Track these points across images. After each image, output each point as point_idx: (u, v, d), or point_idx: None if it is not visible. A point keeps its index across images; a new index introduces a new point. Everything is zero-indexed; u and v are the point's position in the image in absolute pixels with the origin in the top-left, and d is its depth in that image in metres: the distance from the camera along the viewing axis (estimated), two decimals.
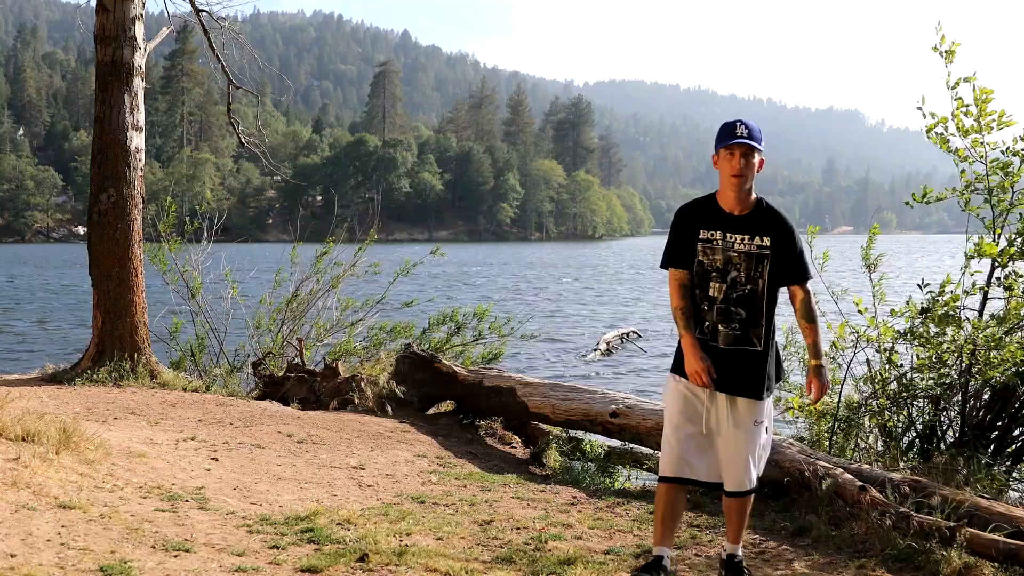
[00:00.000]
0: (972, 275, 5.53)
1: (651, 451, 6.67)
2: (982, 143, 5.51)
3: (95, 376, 8.18)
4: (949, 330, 5.45)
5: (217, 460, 5.67)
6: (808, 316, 3.81)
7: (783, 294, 3.86)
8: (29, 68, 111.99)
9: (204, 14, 10.04)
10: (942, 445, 5.55)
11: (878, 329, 5.72)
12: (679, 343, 3.81)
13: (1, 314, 25.90)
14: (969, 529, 4.00)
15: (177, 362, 9.83)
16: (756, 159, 3.68)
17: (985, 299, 5.57)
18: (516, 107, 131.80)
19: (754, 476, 3.82)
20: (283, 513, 4.64)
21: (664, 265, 3.86)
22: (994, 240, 5.49)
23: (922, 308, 5.58)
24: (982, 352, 5.33)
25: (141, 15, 8.75)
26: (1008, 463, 5.52)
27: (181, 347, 10.04)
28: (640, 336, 20.25)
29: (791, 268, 3.76)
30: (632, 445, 6.94)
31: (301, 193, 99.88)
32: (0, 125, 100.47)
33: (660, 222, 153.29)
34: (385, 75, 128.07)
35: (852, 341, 5.86)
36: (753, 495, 3.88)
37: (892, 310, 5.74)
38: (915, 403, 5.76)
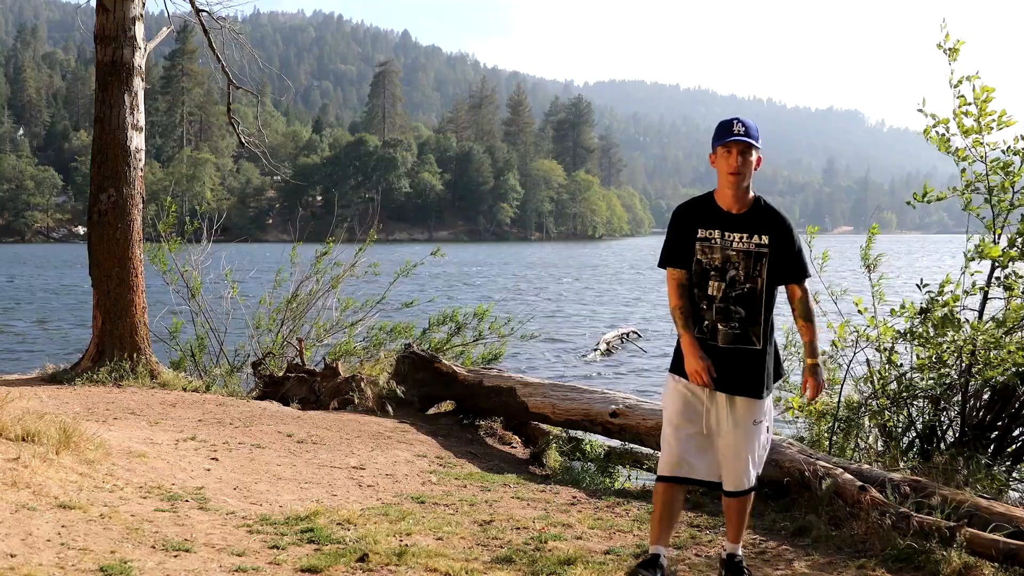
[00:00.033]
0: (972, 275, 5.52)
1: (651, 451, 6.67)
2: (982, 143, 5.50)
3: (95, 376, 8.18)
4: (949, 333, 5.44)
5: (217, 460, 5.67)
6: (806, 315, 3.81)
7: (781, 293, 3.86)
8: (29, 68, 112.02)
9: (204, 14, 10.05)
10: (942, 445, 5.55)
11: (878, 329, 5.72)
12: (678, 342, 3.81)
13: (1, 314, 25.90)
14: (969, 529, 4.00)
15: (177, 362, 9.83)
16: (753, 157, 3.68)
17: (985, 299, 5.57)
18: (516, 107, 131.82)
19: (753, 475, 3.81)
20: (283, 513, 4.64)
21: (662, 264, 3.85)
22: (994, 240, 5.49)
23: (921, 308, 5.58)
24: (982, 352, 5.33)
25: (141, 15, 8.75)
26: (1008, 463, 5.52)
27: (181, 347, 10.04)
28: (640, 336, 20.25)
29: (789, 266, 3.76)
30: (632, 445, 6.94)
31: (301, 193, 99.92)
32: (0, 125, 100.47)
33: (660, 222, 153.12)
34: (385, 75, 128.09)
35: (852, 341, 5.86)
36: (753, 494, 3.88)
37: (892, 310, 5.74)
38: (915, 403, 5.76)
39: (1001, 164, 5.48)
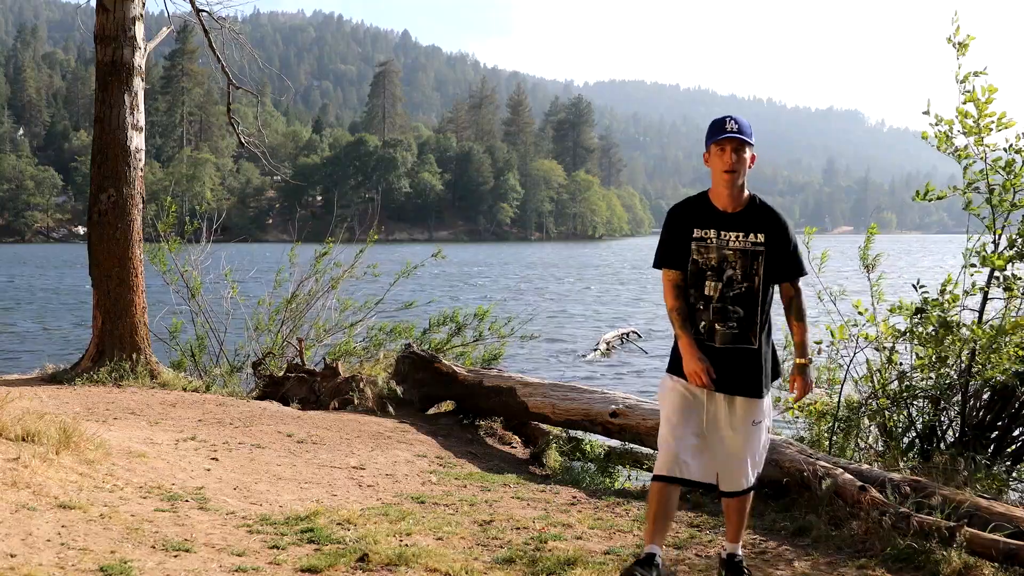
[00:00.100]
0: (972, 275, 5.52)
1: (651, 451, 6.66)
2: (983, 143, 5.49)
3: (95, 376, 8.18)
4: (948, 337, 5.44)
5: (217, 460, 5.67)
6: (798, 315, 3.79)
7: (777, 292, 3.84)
8: (29, 68, 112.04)
9: (204, 14, 10.05)
10: (942, 445, 5.55)
11: (878, 328, 5.72)
12: (675, 343, 3.79)
13: (1, 314, 25.90)
14: (969, 529, 4.00)
15: (177, 362, 9.83)
16: (747, 154, 3.67)
17: (985, 299, 5.56)
18: (516, 107, 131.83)
19: (753, 476, 3.81)
20: (283, 513, 4.64)
21: (657, 265, 3.84)
22: (994, 241, 5.49)
23: (917, 308, 5.57)
24: (981, 355, 5.33)
25: (141, 15, 8.75)
26: (1008, 463, 5.52)
27: (181, 347, 10.04)
28: (640, 336, 20.25)
29: (786, 264, 3.74)
30: (632, 445, 6.94)
31: (301, 193, 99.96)
32: (0, 125, 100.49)
33: (660, 222, 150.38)
34: (385, 75, 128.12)
35: (852, 340, 5.86)
36: (752, 494, 3.88)
37: (891, 307, 5.73)
38: (915, 403, 5.75)
39: (1003, 164, 5.47)
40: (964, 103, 5.41)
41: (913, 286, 5.66)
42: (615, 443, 7.17)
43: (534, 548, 4.23)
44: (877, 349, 5.81)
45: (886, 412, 5.73)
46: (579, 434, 7.41)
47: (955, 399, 5.58)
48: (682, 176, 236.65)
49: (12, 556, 3.50)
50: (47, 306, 28.27)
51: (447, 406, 8.18)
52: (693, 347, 3.69)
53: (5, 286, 36.88)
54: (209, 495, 4.82)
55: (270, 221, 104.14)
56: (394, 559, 3.87)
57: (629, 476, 6.96)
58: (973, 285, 5.52)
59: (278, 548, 4.02)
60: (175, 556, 3.79)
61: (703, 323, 3.73)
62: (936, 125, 5.53)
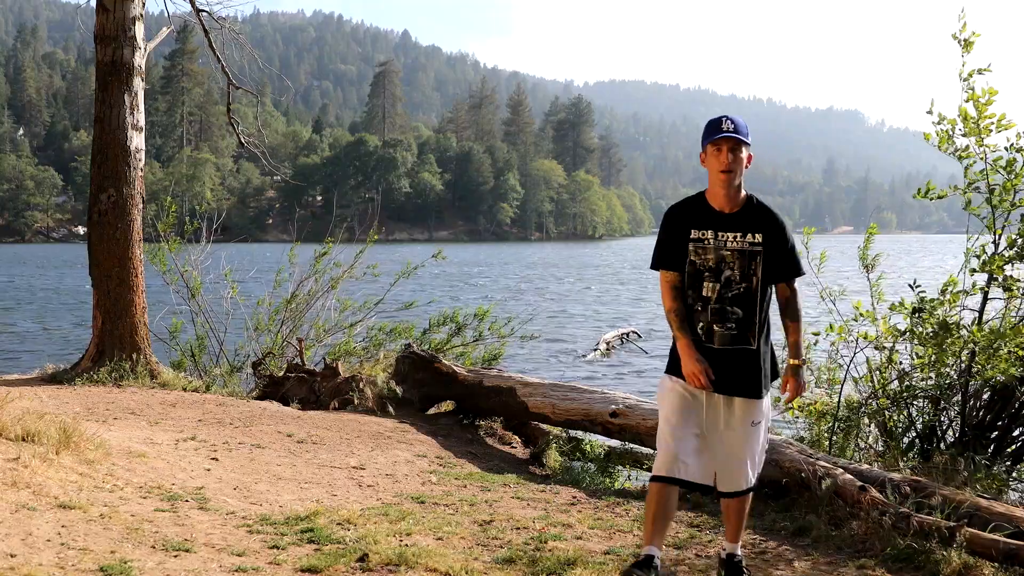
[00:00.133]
0: (972, 275, 5.52)
1: (651, 451, 6.65)
2: (984, 143, 5.49)
3: (95, 376, 8.18)
4: (947, 340, 5.44)
5: (217, 460, 5.67)
6: (793, 315, 3.77)
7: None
8: (29, 68, 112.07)
9: (204, 14, 10.05)
10: (942, 445, 5.55)
11: (877, 328, 5.72)
12: (673, 344, 3.78)
13: (1, 314, 25.90)
14: (969, 529, 4.00)
15: (177, 362, 9.83)
16: (744, 154, 3.66)
17: (985, 299, 5.56)
18: (516, 107, 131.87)
19: (752, 476, 3.80)
20: (283, 513, 4.64)
21: (655, 267, 3.83)
22: (994, 241, 5.49)
23: (913, 308, 5.57)
24: (981, 356, 5.33)
25: (141, 15, 8.75)
26: (1008, 463, 5.52)
27: (181, 347, 10.04)
28: (640, 336, 20.25)
29: (783, 264, 3.72)
30: (632, 445, 6.93)
31: (301, 193, 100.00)
32: (0, 125, 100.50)
33: (660, 222, 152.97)
34: (385, 75, 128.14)
35: (852, 340, 5.86)
36: (751, 494, 3.87)
37: (891, 305, 5.73)
38: (915, 403, 5.76)
39: (1003, 163, 5.47)
40: (966, 101, 5.41)
41: (910, 286, 5.66)
42: (615, 443, 7.17)
43: (534, 548, 4.23)
44: (877, 348, 5.81)
45: (886, 412, 5.74)
46: (579, 434, 7.41)
47: (955, 399, 5.58)
48: (682, 176, 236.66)
49: (12, 556, 3.50)
50: (47, 306, 28.27)
51: (447, 406, 8.18)
52: (691, 348, 3.68)
53: (5, 286, 36.88)
54: (209, 495, 4.82)
55: (270, 221, 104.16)
56: (394, 559, 3.87)
57: (629, 476, 6.96)
58: (973, 285, 5.52)
59: (278, 548, 4.02)
60: (175, 556, 3.79)
61: (701, 324, 3.72)
62: (939, 124, 5.53)
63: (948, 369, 5.54)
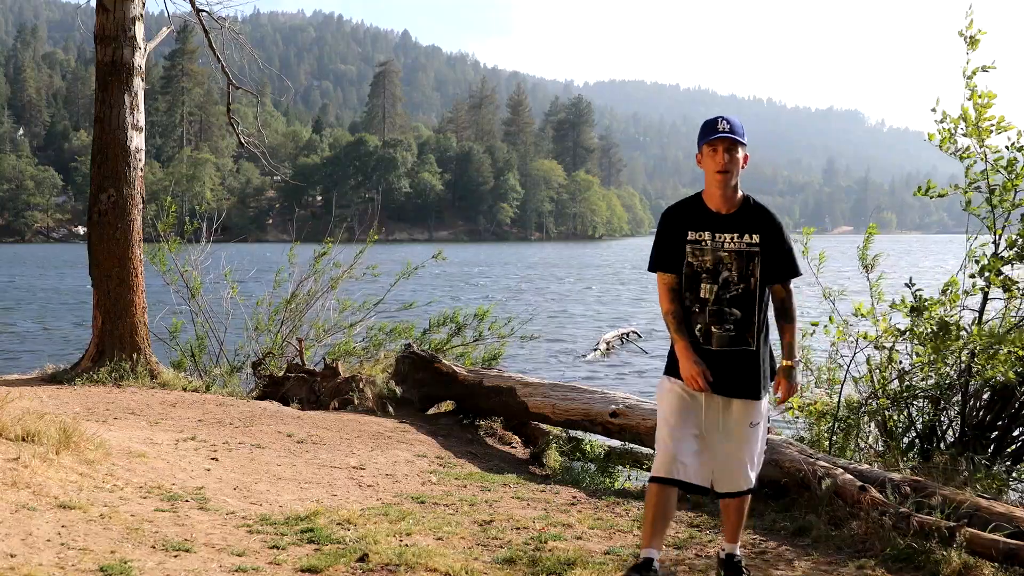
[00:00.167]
0: (972, 276, 5.52)
1: (651, 451, 6.62)
2: (984, 143, 5.49)
3: (95, 376, 8.18)
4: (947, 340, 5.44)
5: (217, 460, 5.67)
6: (788, 316, 3.75)
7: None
8: (29, 68, 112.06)
9: (204, 14, 10.05)
10: (942, 445, 5.56)
11: (877, 328, 5.72)
12: (671, 345, 3.77)
13: (1, 314, 25.90)
14: (969, 529, 4.00)
15: (177, 362, 9.83)
16: (740, 154, 3.64)
17: (985, 300, 5.57)
18: (516, 107, 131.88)
19: (752, 476, 3.80)
20: (283, 513, 4.64)
21: (652, 268, 3.81)
22: (994, 241, 5.49)
23: (912, 307, 5.58)
24: (981, 356, 5.33)
25: (141, 15, 8.75)
26: (1008, 463, 5.52)
27: (181, 347, 10.04)
28: (640, 336, 20.25)
29: (780, 264, 3.70)
30: (632, 445, 6.93)
31: (301, 193, 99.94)
32: (0, 125, 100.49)
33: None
34: (385, 75, 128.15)
35: (852, 340, 5.86)
36: (751, 494, 3.87)
37: (892, 304, 5.73)
38: (915, 403, 5.76)
39: (1004, 163, 5.47)
40: (968, 99, 5.41)
41: (906, 284, 5.66)
42: (615, 443, 7.17)
43: (534, 548, 4.23)
44: (877, 348, 5.81)
45: (886, 412, 5.74)
46: (579, 434, 7.41)
47: (955, 399, 5.59)
48: (682, 176, 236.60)
49: (12, 556, 3.50)
50: (47, 306, 28.27)
51: (447, 406, 8.18)
52: (689, 351, 3.67)
53: (5, 286, 36.88)
54: (209, 495, 4.82)
55: (270, 221, 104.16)
56: (394, 559, 3.87)
57: (629, 476, 6.96)
58: (973, 285, 5.52)
59: (278, 548, 4.02)
60: (175, 556, 3.79)
61: (699, 326, 3.70)
62: (941, 122, 5.53)
63: (948, 369, 5.54)
